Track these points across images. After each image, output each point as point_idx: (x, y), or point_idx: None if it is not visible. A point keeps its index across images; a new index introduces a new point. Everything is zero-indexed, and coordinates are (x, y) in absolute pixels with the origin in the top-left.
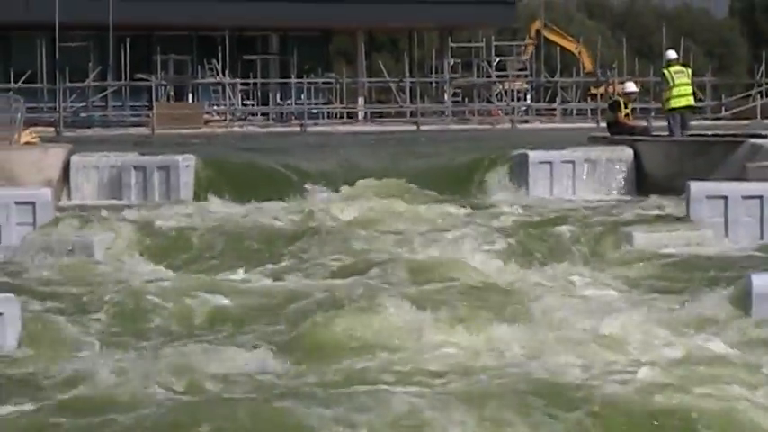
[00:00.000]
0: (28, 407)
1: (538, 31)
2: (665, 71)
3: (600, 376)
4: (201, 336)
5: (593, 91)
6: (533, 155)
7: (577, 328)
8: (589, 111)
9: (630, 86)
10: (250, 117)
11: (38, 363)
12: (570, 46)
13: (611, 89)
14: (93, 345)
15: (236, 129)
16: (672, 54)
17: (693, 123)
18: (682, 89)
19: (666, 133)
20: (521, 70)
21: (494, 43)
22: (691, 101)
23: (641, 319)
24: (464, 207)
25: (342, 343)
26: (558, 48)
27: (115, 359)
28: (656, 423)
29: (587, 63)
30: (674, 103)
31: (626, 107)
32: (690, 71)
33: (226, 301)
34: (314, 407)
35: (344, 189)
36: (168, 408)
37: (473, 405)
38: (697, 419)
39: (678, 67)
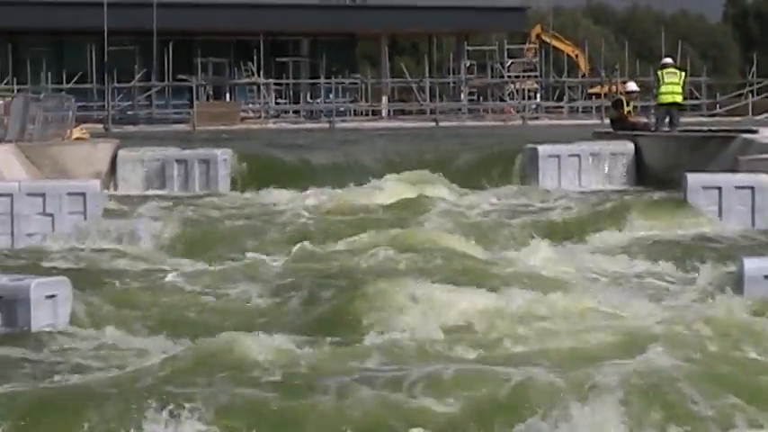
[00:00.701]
0: (75, 377)
1: (538, 36)
2: (658, 72)
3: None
4: (244, 319)
5: (591, 90)
6: (543, 149)
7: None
8: (594, 108)
9: (632, 86)
10: (283, 114)
11: (85, 339)
12: (567, 49)
13: (614, 88)
14: (135, 325)
15: (270, 125)
16: (668, 60)
17: (691, 120)
18: (670, 87)
19: (667, 129)
20: (530, 71)
21: (506, 46)
22: (677, 98)
23: (639, 296)
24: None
25: None
26: (542, 48)
27: (157, 339)
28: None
29: (583, 65)
30: (662, 99)
31: (628, 105)
32: (683, 74)
33: (260, 286)
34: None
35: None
36: (207, 381)
37: None
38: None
39: (671, 69)
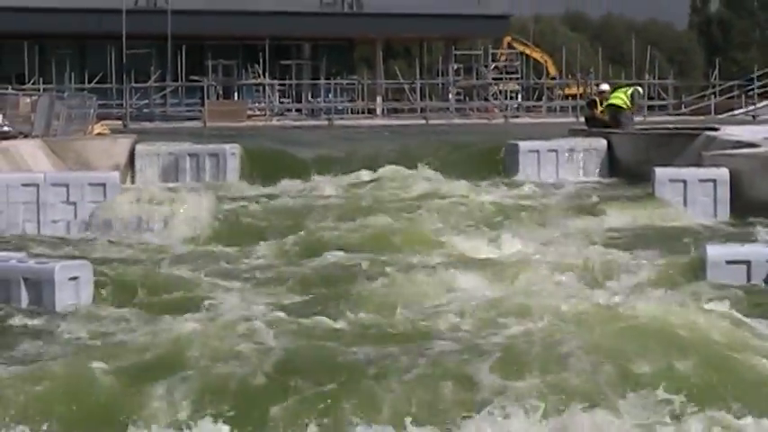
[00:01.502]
0: (97, 353)
1: (509, 43)
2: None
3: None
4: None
5: (568, 91)
6: (523, 144)
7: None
8: (570, 108)
9: (604, 87)
10: (286, 112)
11: (106, 318)
12: (536, 55)
13: (588, 90)
14: (154, 303)
15: (274, 122)
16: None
17: (659, 119)
18: (614, 93)
19: (640, 127)
20: (512, 74)
21: (491, 51)
22: (614, 101)
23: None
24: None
25: None
26: (514, 55)
27: (176, 316)
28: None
29: (552, 69)
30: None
31: (601, 105)
32: (627, 89)
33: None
34: None
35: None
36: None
37: None
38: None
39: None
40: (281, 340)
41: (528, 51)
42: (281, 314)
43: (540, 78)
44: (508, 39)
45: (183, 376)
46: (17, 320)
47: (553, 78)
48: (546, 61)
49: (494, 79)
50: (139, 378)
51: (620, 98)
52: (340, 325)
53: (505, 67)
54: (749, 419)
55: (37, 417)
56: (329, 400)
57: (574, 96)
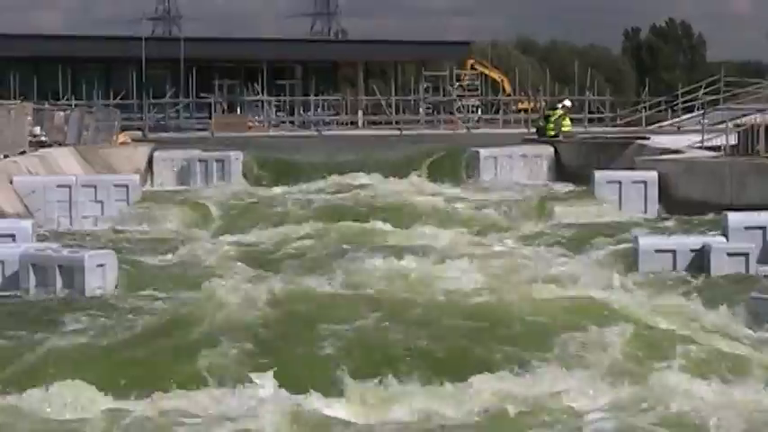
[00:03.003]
0: (121, 330)
1: (472, 65)
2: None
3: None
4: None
5: (521, 106)
6: (483, 151)
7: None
8: (522, 120)
9: (567, 103)
10: (281, 124)
11: (128, 299)
12: (494, 75)
13: (538, 105)
14: (168, 286)
15: (271, 133)
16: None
17: (598, 129)
18: (564, 121)
19: (581, 137)
20: (473, 91)
21: (454, 72)
22: (566, 129)
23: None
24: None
25: None
26: (477, 75)
27: (192, 296)
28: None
29: (507, 87)
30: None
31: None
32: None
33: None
34: None
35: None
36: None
37: None
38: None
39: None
40: (281, 305)
41: (487, 72)
42: (281, 284)
43: (496, 95)
44: (471, 61)
45: (210, 337)
46: (56, 300)
47: (508, 95)
48: (502, 80)
49: (458, 96)
50: (173, 341)
51: (567, 124)
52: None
53: (468, 85)
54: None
55: (95, 377)
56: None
57: (525, 110)
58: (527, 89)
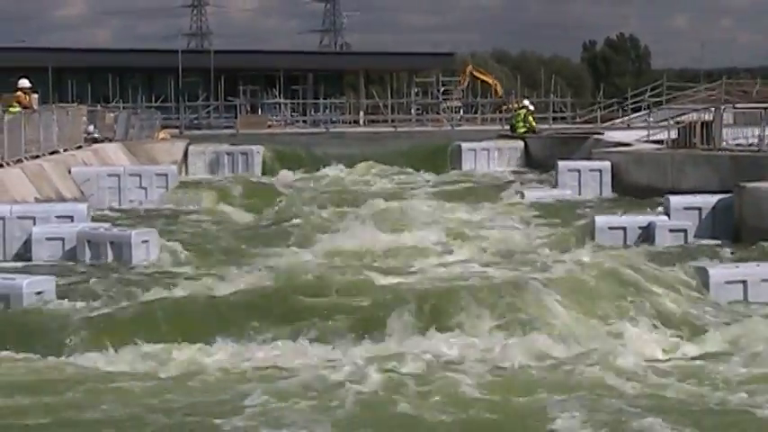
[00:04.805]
0: (164, 293)
1: (470, 72)
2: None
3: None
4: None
5: (503, 107)
6: (465, 145)
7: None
8: (498, 119)
9: (526, 102)
10: (295, 123)
11: (168, 270)
12: (489, 80)
13: (512, 106)
14: (207, 260)
15: (287, 130)
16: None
17: (561, 126)
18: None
19: (547, 133)
20: (456, 94)
21: (441, 78)
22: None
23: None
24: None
25: None
26: (480, 81)
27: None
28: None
29: (499, 90)
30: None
31: (524, 118)
32: (528, 114)
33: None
34: None
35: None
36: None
37: None
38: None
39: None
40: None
41: (484, 77)
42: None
43: (475, 97)
44: (469, 68)
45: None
46: (110, 271)
47: (500, 97)
48: (495, 84)
49: (443, 98)
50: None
51: (532, 123)
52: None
53: (454, 89)
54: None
55: (147, 332)
56: None
57: (500, 110)
58: (505, 94)
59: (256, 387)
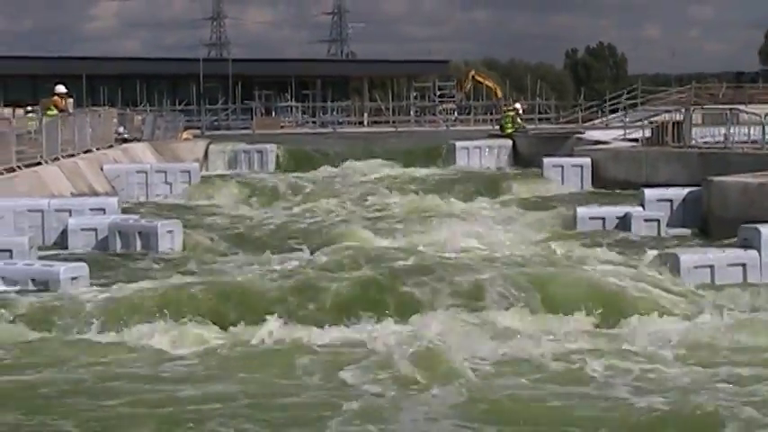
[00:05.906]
0: (187, 278)
1: (473, 77)
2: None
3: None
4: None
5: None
6: (458, 143)
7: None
8: (489, 120)
9: (517, 106)
10: (305, 124)
11: (191, 259)
12: (490, 84)
13: (502, 109)
14: (221, 250)
15: (298, 131)
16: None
17: (546, 126)
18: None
19: (533, 132)
20: (451, 98)
21: (437, 83)
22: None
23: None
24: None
25: None
26: (474, 83)
27: (240, 261)
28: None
29: (500, 93)
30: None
31: (512, 120)
32: (516, 114)
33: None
34: None
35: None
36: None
37: None
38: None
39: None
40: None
41: (485, 81)
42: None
43: (468, 100)
44: (472, 73)
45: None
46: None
47: (499, 100)
48: (496, 88)
49: (440, 101)
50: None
51: (519, 123)
52: None
53: (456, 92)
54: None
55: (181, 312)
56: None
57: (492, 112)
58: (492, 97)
59: None
